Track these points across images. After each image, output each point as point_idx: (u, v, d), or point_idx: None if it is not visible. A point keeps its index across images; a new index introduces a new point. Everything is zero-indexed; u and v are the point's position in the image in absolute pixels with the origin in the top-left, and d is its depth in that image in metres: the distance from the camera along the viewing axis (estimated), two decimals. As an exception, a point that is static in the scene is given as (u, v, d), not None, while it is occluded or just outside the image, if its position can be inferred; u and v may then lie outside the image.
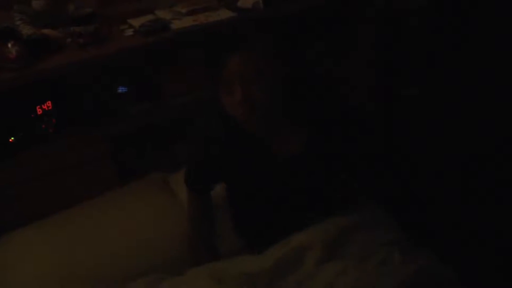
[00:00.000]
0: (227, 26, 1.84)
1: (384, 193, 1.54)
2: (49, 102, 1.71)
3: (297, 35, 2.08)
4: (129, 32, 1.81)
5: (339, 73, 2.22)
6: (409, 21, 2.08)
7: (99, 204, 1.78)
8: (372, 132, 1.54)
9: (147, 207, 1.74)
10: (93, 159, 1.81)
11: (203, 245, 1.63)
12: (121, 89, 1.86)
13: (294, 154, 1.42)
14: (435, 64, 2.04)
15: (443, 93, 2.01)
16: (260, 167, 1.44)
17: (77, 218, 1.72)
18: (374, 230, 1.41)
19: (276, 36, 1.45)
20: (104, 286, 1.51)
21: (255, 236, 1.55)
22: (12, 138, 1.68)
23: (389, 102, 2.25)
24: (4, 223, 1.68)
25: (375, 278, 1.25)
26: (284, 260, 1.33)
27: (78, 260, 1.56)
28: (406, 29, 2.11)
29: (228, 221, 1.66)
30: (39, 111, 1.70)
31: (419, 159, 1.98)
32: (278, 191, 1.44)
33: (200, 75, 1.90)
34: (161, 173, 1.95)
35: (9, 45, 1.57)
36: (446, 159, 1.95)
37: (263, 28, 1.80)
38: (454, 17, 1.90)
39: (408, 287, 1.22)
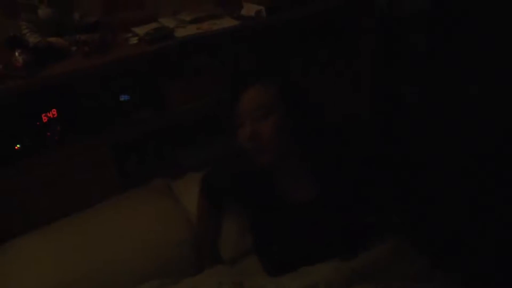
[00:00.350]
0: (231, 34, 1.87)
1: (384, 194, 1.53)
2: (55, 110, 1.72)
3: (299, 43, 2.10)
4: (134, 40, 1.82)
5: (341, 79, 2.25)
6: (410, 24, 2.09)
7: (102, 210, 1.78)
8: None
9: (150, 213, 1.74)
10: (97, 166, 1.82)
11: (208, 250, 1.64)
12: (123, 98, 1.88)
13: (308, 200, 1.42)
14: (435, 67, 2.04)
15: (443, 96, 2.02)
16: (275, 208, 1.46)
17: (80, 224, 1.72)
18: (391, 265, 1.32)
19: (287, 75, 1.49)
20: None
21: (272, 260, 1.50)
22: (18, 146, 1.69)
23: (389, 105, 2.25)
24: (9, 230, 1.69)
25: None
26: None
27: (81, 266, 1.56)
28: (407, 32, 2.12)
29: (231, 227, 1.68)
30: (45, 119, 1.71)
31: (420, 161, 1.98)
32: (293, 229, 1.44)
33: (204, 83, 1.93)
34: (164, 179, 1.97)
35: (16, 53, 1.59)
36: (447, 161, 1.95)
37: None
38: (454, 20, 1.91)
39: None
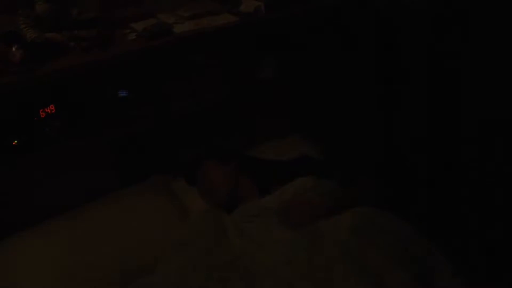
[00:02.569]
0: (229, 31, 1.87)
1: (383, 194, 1.54)
2: (52, 105, 1.71)
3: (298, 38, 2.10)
4: (132, 36, 1.82)
5: (341, 75, 2.24)
6: (409, 23, 2.08)
7: (101, 206, 1.79)
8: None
9: (148, 209, 1.75)
10: (95, 162, 1.83)
11: None
12: (122, 93, 1.87)
13: None
14: (435, 66, 2.04)
15: (442, 94, 2.02)
16: None
17: (78, 220, 1.73)
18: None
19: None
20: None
21: None
22: (16, 142, 1.68)
23: (388, 103, 2.25)
24: (7, 226, 1.69)
25: None
26: None
27: (79, 262, 1.57)
28: (406, 31, 2.11)
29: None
30: (42, 115, 1.70)
31: (419, 160, 1.99)
32: None
33: (202, 79, 1.93)
34: (162, 176, 1.97)
35: (13, 48, 1.58)
36: (447, 160, 1.96)
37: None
38: (454, 19, 1.91)
39: None
